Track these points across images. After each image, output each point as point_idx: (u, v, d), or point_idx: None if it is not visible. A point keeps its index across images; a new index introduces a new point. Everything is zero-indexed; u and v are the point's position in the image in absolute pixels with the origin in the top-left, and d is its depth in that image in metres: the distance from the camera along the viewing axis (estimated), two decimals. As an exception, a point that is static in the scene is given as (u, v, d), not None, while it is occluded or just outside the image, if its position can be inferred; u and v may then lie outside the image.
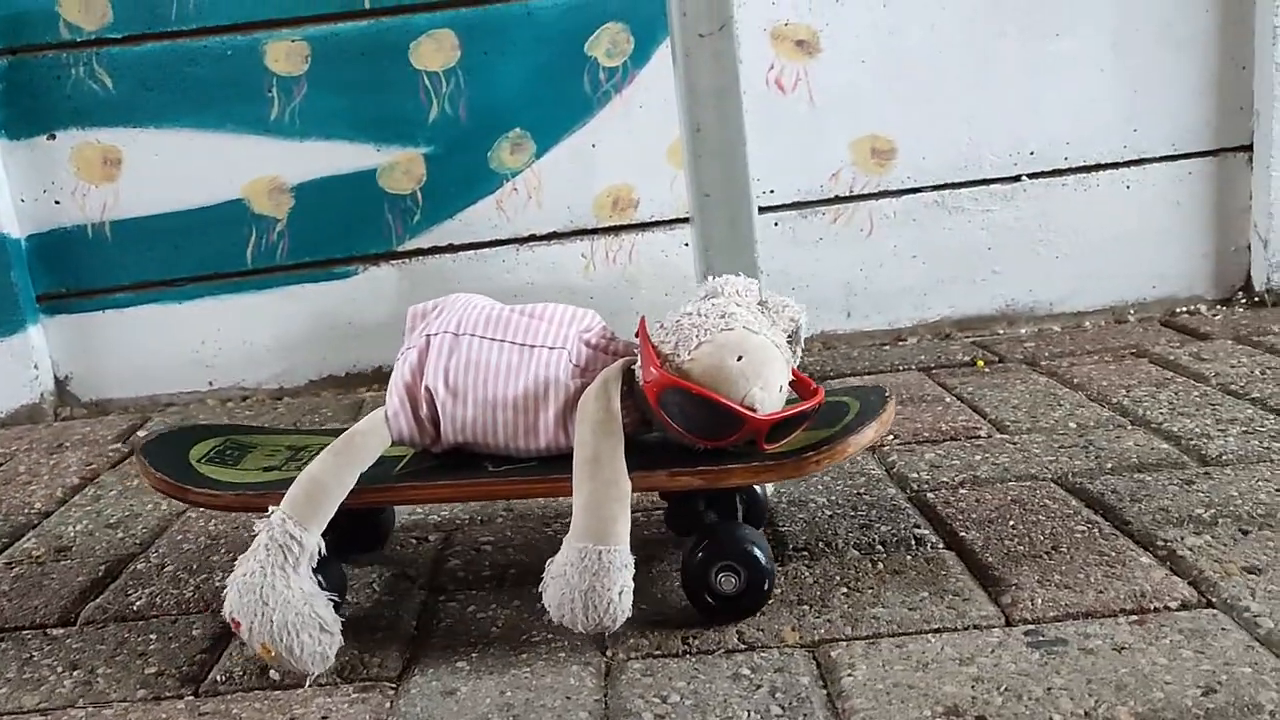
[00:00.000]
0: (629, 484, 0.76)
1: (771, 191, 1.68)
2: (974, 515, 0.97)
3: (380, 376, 1.71)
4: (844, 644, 0.77)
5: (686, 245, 1.67)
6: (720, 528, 0.82)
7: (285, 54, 1.61)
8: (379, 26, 1.61)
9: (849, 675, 0.72)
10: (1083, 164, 1.70)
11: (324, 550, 0.76)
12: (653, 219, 1.69)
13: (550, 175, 1.67)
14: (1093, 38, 1.66)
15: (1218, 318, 1.66)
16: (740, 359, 0.77)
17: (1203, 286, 1.75)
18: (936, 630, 0.78)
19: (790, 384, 0.81)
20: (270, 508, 0.77)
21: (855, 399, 0.88)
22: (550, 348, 0.82)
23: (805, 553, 0.93)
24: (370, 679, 0.77)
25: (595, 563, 0.73)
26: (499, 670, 0.77)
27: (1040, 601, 0.80)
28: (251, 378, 1.71)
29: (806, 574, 0.89)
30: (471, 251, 1.68)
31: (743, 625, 0.80)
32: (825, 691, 0.71)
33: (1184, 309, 1.74)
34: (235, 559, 1.00)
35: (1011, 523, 0.95)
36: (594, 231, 1.69)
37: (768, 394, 0.77)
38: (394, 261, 1.68)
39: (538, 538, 1.01)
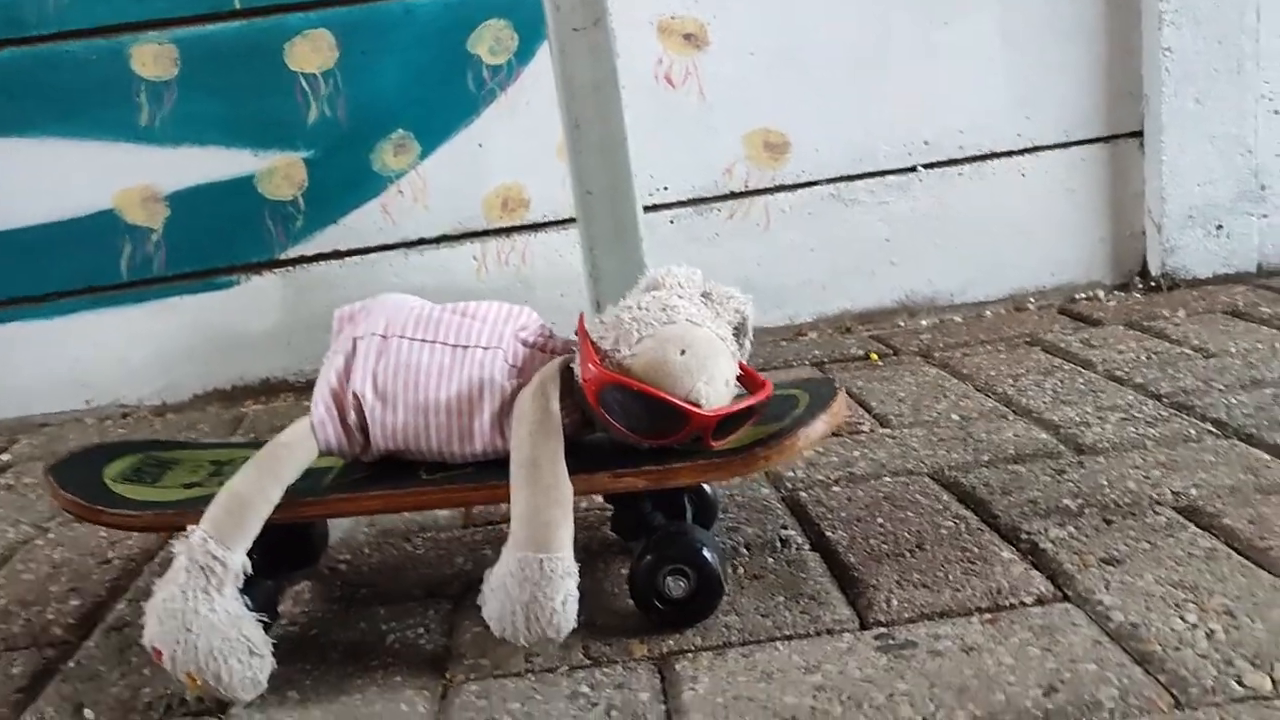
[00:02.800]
0: (570, 488, 0.72)
1: (665, 188, 1.66)
2: (843, 514, 0.95)
3: (268, 389, 1.66)
4: (691, 655, 0.74)
5: (580, 245, 1.64)
6: (668, 529, 0.79)
7: (153, 57, 1.55)
8: (251, 27, 1.55)
9: (690, 689, 0.69)
10: (977, 153, 1.70)
11: (250, 569, 0.72)
12: (545, 219, 1.65)
13: (436, 177, 1.62)
14: (981, 26, 1.65)
15: (1112, 304, 1.66)
16: (683, 353, 0.73)
17: (1100, 272, 1.75)
18: (787, 637, 0.75)
19: (737, 378, 0.78)
20: (189, 527, 0.72)
21: (804, 391, 0.85)
22: (484, 347, 0.78)
23: (666, 560, 0.90)
24: (191, 714, 0.73)
25: (536, 572, 0.69)
26: (329, 698, 0.73)
27: (896, 603, 0.78)
28: (131, 394, 1.65)
29: (664, 582, 0.86)
30: (358, 257, 1.63)
31: (589, 640, 0.77)
32: (664, 707, 0.68)
33: (1083, 295, 1.74)
34: (74, 589, 0.96)
35: (880, 520, 0.93)
36: (484, 233, 1.65)
37: (713, 389, 0.74)
38: (277, 270, 1.63)
39: (396, 555, 0.97)
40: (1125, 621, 0.72)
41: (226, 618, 0.70)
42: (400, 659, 0.78)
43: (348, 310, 0.84)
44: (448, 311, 0.81)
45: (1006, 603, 0.76)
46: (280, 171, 1.60)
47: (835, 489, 1.01)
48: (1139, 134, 1.71)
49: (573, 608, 0.71)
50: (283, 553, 0.85)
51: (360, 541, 1.01)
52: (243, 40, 1.55)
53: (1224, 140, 1.68)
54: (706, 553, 0.77)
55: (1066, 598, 0.76)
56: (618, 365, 0.74)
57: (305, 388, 1.65)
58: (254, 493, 0.73)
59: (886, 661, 0.70)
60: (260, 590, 0.76)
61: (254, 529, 0.73)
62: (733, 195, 1.67)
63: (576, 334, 0.78)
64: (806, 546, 0.90)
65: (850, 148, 1.67)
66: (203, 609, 0.69)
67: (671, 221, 1.66)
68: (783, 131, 1.66)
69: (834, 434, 1.16)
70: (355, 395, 0.78)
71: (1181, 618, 0.71)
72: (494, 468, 0.77)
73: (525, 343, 0.81)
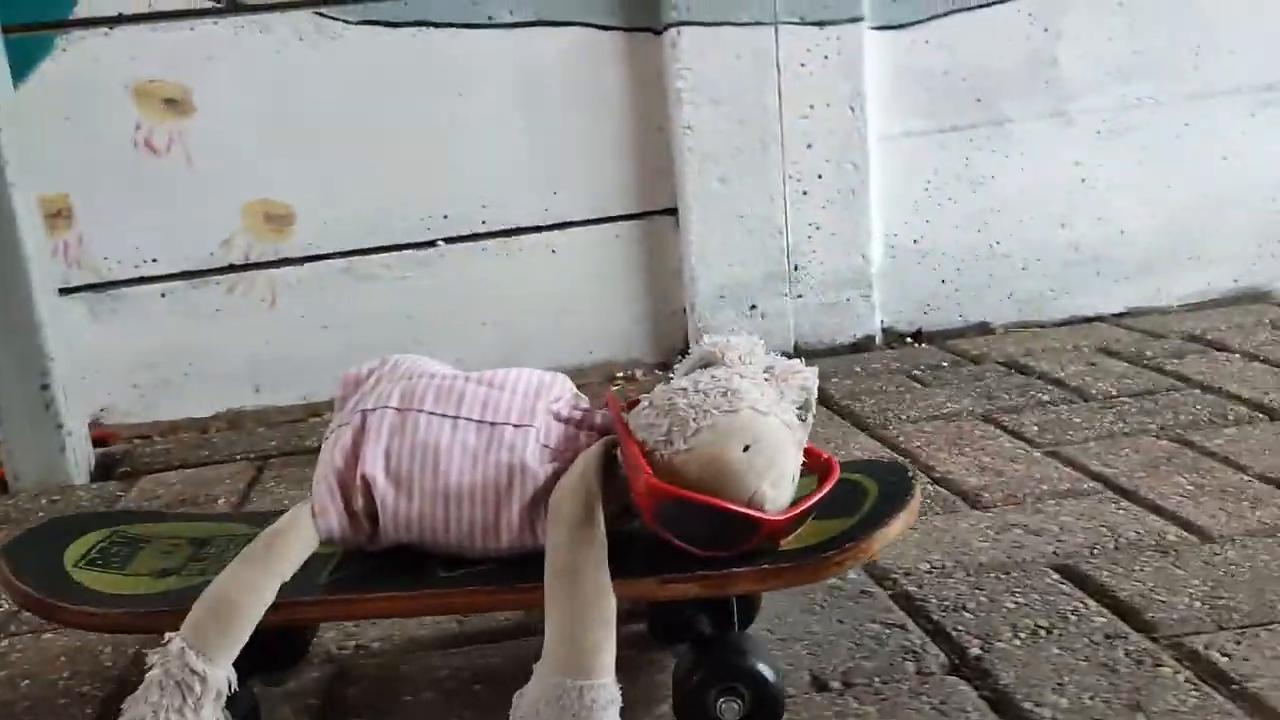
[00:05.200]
0: (614, 602, 0.62)
1: (154, 260, 1.55)
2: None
3: None
4: None
5: None
6: (718, 641, 0.68)
7: None
8: None
9: None
10: (503, 228, 1.64)
11: (234, 684, 0.63)
12: None
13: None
14: (497, 98, 1.59)
15: (648, 380, 1.63)
16: (747, 449, 0.64)
17: (641, 350, 1.72)
18: None
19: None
20: (167, 634, 0.62)
21: (869, 477, 0.75)
22: (515, 425, 0.68)
23: None
24: None
25: (575, 702, 0.60)
26: None
27: None
28: None
29: None
30: None
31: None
32: None
33: (622, 373, 1.70)
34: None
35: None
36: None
37: (779, 490, 0.64)
38: None
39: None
40: None
41: None
42: None
43: (356, 373, 0.74)
44: (472, 382, 0.71)
45: None
46: None
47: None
48: (674, 211, 1.68)
49: None
50: (269, 651, 0.72)
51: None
52: None
53: (753, 220, 1.66)
54: (763, 668, 0.66)
55: None
56: (668, 463, 0.64)
57: None
58: (243, 594, 0.64)
59: None
60: (240, 700, 0.65)
61: (242, 636, 0.63)
62: (233, 268, 1.57)
63: (609, 412, 0.70)
64: None
65: (362, 220, 1.59)
66: None
67: (163, 295, 1.56)
68: (286, 202, 1.57)
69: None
70: (365, 478, 0.67)
71: None
72: (520, 566, 0.67)
73: (559, 417, 0.70)
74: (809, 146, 1.65)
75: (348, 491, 0.68)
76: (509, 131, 1.60)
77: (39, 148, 1.45)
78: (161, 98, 1.51)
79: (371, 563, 0.70)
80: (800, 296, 1.70)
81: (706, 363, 0.69)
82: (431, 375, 0.71)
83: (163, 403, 1.58)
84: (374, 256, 1.61)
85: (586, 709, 0.61)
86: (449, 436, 0.68)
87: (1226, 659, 0.73)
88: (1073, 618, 0.80)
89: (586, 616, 0.62)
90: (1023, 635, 0.78)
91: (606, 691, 0.62)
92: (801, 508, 0.65)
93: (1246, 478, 1.04)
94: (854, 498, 0.72)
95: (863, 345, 1.72)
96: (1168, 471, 1.07)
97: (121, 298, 1.54)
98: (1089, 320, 1.79)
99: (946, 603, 0.83)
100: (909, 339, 1.77)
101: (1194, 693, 0.69)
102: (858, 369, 1.59)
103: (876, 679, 0.73)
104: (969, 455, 1.17)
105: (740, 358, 0.69)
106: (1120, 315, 1.79)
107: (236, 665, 0.64)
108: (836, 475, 0.68)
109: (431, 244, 1.62)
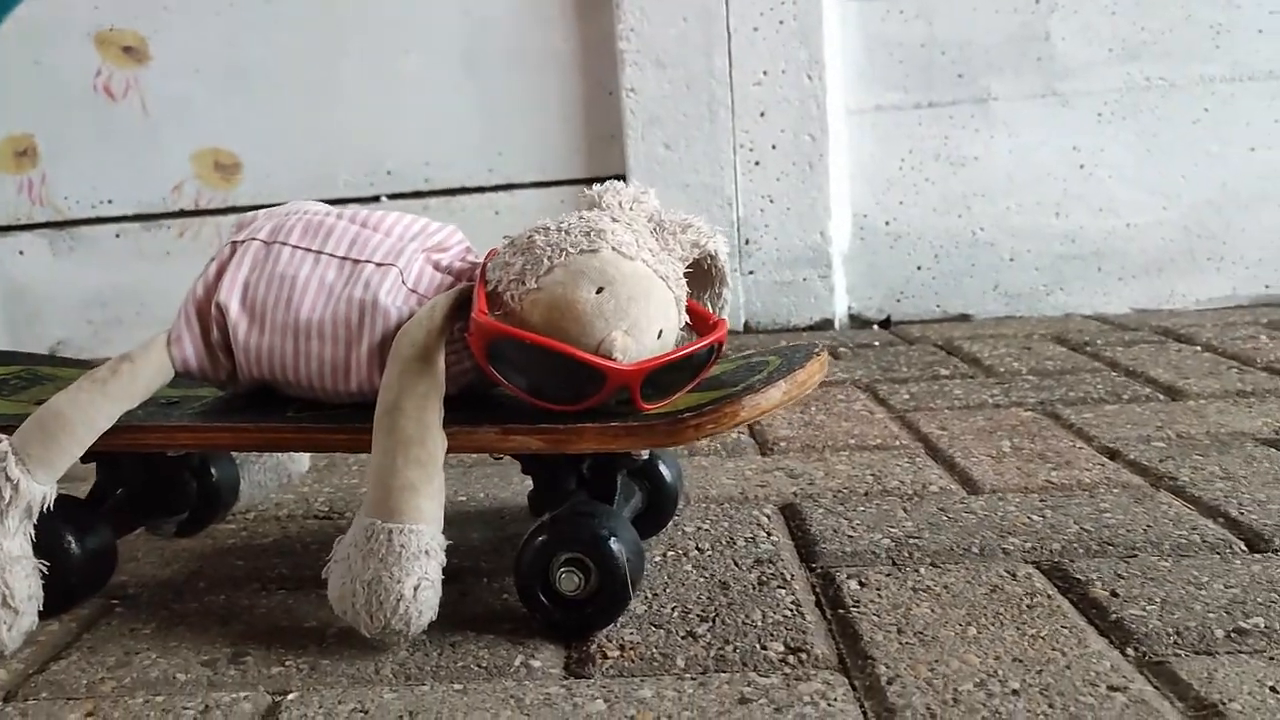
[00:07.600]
0: (441, 443, 0.58)
1: (109, 201, 1.62)
2: None
3: None
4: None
5: None
6: (572, 507, 0.61)
7: None
8: None
9: None
10: (446, 187, 1.64)
11: (50, 503, 0.61)
12: (-17, 225, 1.63)
13: None
14: (444, 56, 1.60)
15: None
16: (600, 291, 0.57)
17: (585, 320, 1.68)
18: None
19: (690, 324, 0.62)
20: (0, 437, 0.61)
21: (779, 356, 0.67)
22: (378, 264, 0.63)
23: None
24: None
25: (383, 545, 0.56)
26: None
27: None
28: None
29: None
30: None
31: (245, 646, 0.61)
32: None
33: (564, 342, 1.67)
34: None
35: None
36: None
37: (636, 340, 0.58)
38: None
39: None
40: None
41: None
42: None
43: (250, 215, 0.70)
44: (345, 219, 0.66)
45: None
46: None
47: None
48: (624, 178, 1.64)
49: (430, 594, 0.57)
50: (152, 495, 0.73)
51: None
52: None
53: (700, 190, 1.60)
54: (613, 544, 0.58)
55: None
56: (519, 304, 0.58)
57: None
58: (73, 410, 0.62)
59: None
60: (95, 534, 0.66)
61: (70, 454, 0.62)
62: (183, 213, 1.63)
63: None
64: None
65: (307, 173, 1.63)
66: None
67: (118, 236, 1.63)
68: (233, 152, 1.62)
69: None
70: (219, 307, 0.64)
71: None
72: (369, 410, 0.61)
73: (439, 266, 0.65)
74: (762, 115, 1.58)
75: (205, 321, 0.65)
76: (454, 90, 1.61)
77: (10, 89, 1.55)
78: (120, 45, 1.59)
79: (236, 404, 0.68)
80: (752, 273, 1.63)
81: (588, 206, 0.62)
82: (311, 213, 0.67)
83: (115, 339, 1.65)
84: (318, 209, 1.63)
85: (395, 554, 0.56)
86: (308, 271, 0.64)
87: (859, 586, 0.64)
88: (739, 543, 0.72)
89: (404, 455, 0.57)
90: (670, 554, 0.71)
91: (419, 538, 0.56)
92: (657, 360, 0.57)
93: (1081, 445, 0.92)
94: (752, 371, 0.64)
95: (820, 329, 1.63)
96: (1000, 436, 0.96)
97: (80, 236, 1.62)
98: (1088, 319, 1.64)
99: (631, 525, 0.77)
100: (875, 326, 1.66)
101: (787, 611, 0.61)
102: (783, 342, 1.50)
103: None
104: (806, 415, 1.08)
105: (621, 203, 0.61)
106: (1124, 316, 1.64)
107: (117, 503, 0.64)
108: (722, 332, 0.60)
109: (375, 199, 1.64)
